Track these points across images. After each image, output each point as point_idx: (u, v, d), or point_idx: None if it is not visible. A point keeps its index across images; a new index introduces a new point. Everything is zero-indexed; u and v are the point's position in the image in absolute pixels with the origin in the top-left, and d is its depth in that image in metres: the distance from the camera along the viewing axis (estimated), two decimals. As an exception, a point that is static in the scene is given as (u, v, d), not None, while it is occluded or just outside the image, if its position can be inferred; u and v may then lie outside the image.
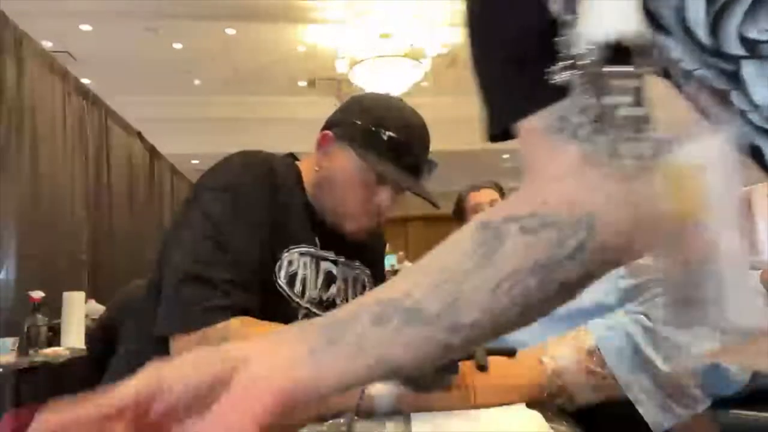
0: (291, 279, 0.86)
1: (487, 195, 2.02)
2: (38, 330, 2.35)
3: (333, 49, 6.21)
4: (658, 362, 0.70)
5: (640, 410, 0.70)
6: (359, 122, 0.89)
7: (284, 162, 0.95)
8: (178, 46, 6.32)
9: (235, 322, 0.72)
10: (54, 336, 2.46)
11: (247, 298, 0.76)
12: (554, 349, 0.76)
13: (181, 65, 6.89)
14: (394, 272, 8.85)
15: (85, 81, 3.78)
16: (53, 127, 3.13)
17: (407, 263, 10.49)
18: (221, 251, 0.77)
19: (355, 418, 0.69)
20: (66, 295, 2.53)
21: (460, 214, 2.07)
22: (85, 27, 5.74)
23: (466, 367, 0.71)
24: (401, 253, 11.00)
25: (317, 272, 0.91)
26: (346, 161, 0.89)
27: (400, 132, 0.88)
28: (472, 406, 0.71)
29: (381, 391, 0.70)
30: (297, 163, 0.99)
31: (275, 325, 0.75)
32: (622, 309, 0.82)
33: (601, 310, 0.85)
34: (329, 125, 0.94)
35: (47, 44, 5.20)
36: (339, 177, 0.90)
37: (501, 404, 0.72)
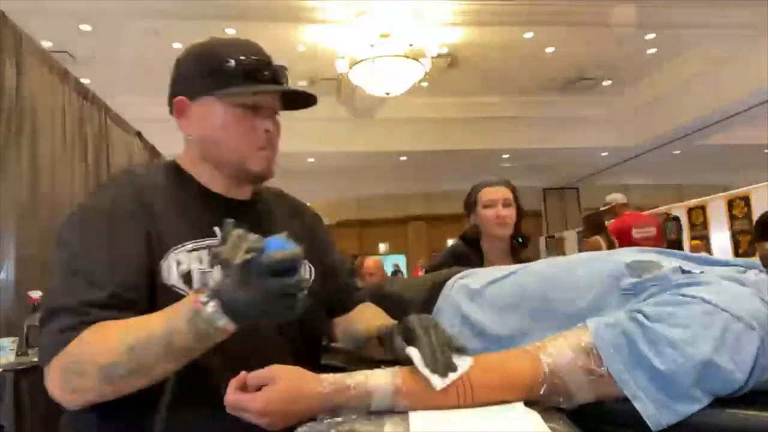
0: (186, 276, 0.85)
1: (501, 192, 2.00)
2: (38, 330, 2.35)
3: (333, 49, 6.21)
4: (655, 360, 0.70)
5: (638, 407, 0.69)
6: (200, 71, 0.92)
7: (162, 168, 0.98)
8: (178, 46, 6.31)
9: (86, 332, 0.73)
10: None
11: (113, 312, 0.76)
12: (552, 347, 0.76)
13: (181, 65, 6.89)
14: (395, 273, 8.78)
15: (85, 81, 3.78)
16: (53, 127, 3.13)
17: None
18: (73, 277, 0.78)
19: (353, 417, 0.69)
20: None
21: (471, 207, 2.07)
22: (85, 27, 5.74)
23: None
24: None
25: None
26: (210, 110, 0.91)
27: (239, 54, 0.90)
28: (469, 404, 0.71)
29: (378, 385, 0.71)
30: (176, 160, 1.00)
31: (129, 319, 0.75)
32: (621, 308, 0.82)
33: (600, 309, 0.85)
34: (174, 94, 0.96)
35: (47, 44, 5.20)
36: (216, 129, 0.91)
37: (499, 402, 0.72)
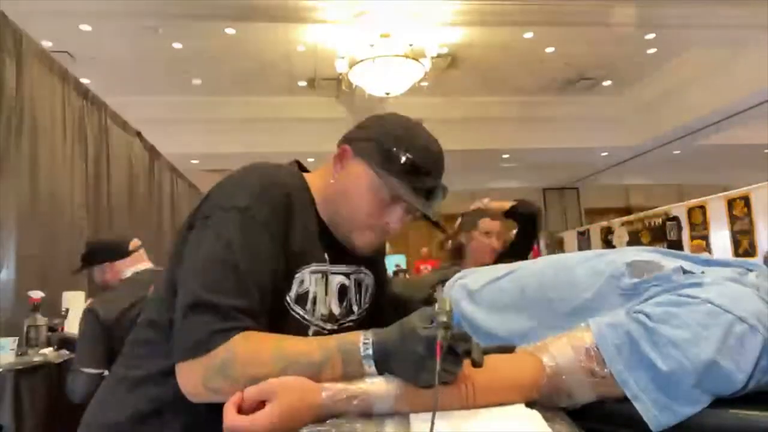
0: (301, 298, 0.88)
1: (499, 226, 2.25)
2: (38, 330, 2.35)
3: (333, 49, 6.21)
4: (658, 361, 0.70)
5: (639, 408, 0.69)
6: (379, 140, 0.91)
7: (295, 178, 0.95)
8: (178, 46, 6.32)
9: (238, 339, 0.73)
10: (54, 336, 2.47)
11: (254, 323, 0.76)
12: (554, 347, 0.76)
13: (181, 65, 6.89)
14: (397, 272, 8.81)
15: (85, 81, 3.78)
16: (53, 127, 3.13)
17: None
18: (232, 276, 0.77)
19: (354, 418, 0.69)
20: (66, 294, 2.54)
21: (468, 226, 2.28)
22: (85, 27, 5.74)
23: (466, 366, 0.71)
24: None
25: (327, 288, 0.92)
26: (362, 176, 0.91)
27: (418, 155, 0.90)
28: (471, 405, 0.71)
29: (380, 392, 0.70)
30: (306, 176, 1.00)
31: (280, 336, 0.76)
32: (623, 308, 0.82)
33: (599, 309, 0.85)
34: (348, 140, 0.95)
35: (47, 44, 5.20)
36: (354, 191, 0.92)
37: (501, 403, 0.72)
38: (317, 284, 0.90)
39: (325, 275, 0.92)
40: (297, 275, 0.88)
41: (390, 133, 0.91)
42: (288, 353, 0.73)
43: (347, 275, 0.98)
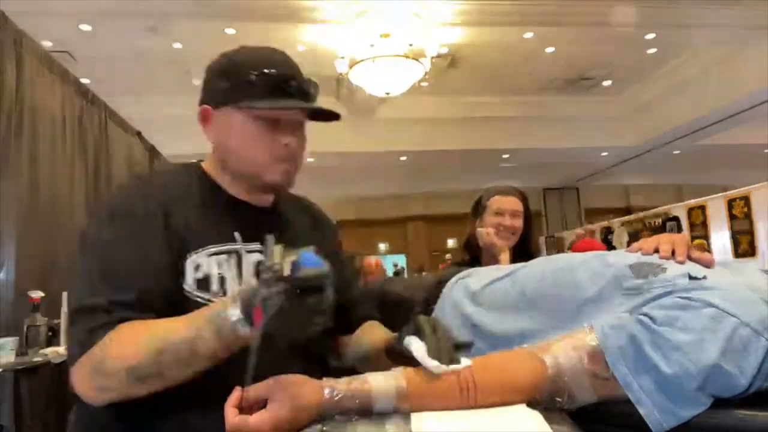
0: (203, 282, 0.86)
1: (512, 203, 1.88)
2: (38, 330, 2.35)
3: (333, 49, 6.21)
4: (661, 364, 0.70)
5: (641, 411, 0.69)
6: (224, 81, 0.92)
7: (186, 170, 0.97)
8: (178, 46, 6.31)
9: (112, 334, 0.74)
10: (54, 336, 2.46)
11: (138, 314, 0.76)
12: (557, 348, 0.76)
13: (181, 65, 6.89)
14: (397, 273, 8.78)
15: (85, 81, 3.78)
16: (53, 127, 3.13)
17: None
18: (105, 277, 0.78)
19: (355, 418, 0.69)
20: (66, 295, 2.53)
21: (479, 212, 1.94)
22: (85, 27, 5.73)
23: (468, 367, 0.71)
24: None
25: (240, 267, 0.91)
26: (232, 121, 0.91)
27: (263, 66, 0.90)
28: (473, 405, 0.71)
29: (381, 389, 0.70)
30: (202, 164, 1.00)
31: (153, 321, 0.76)
32: (625, 307, 0.82)
33: (601, 309, 0.85)
34: (203, 101, 0.96)
35: (47, 44, 5.20)
36: (234, 138, 0.92)
37: (502, 404, 0.72)
38: (222, 266, 0.88)
39: (235, 254, 0.91)
40: (188, 261, 0.86)
41: (228, 67, 0.93)
42: (159, 336, 0.73)
43: (263, 252, 0.96)
